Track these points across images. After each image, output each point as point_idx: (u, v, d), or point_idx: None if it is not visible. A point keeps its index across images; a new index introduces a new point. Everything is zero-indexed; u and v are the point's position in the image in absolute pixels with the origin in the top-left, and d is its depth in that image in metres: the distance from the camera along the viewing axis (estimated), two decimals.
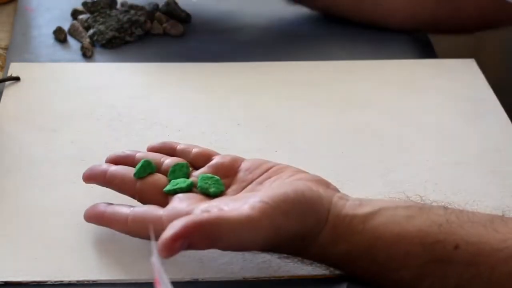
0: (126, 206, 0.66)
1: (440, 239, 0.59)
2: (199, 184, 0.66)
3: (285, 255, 0.64)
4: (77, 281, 0.65)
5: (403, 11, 1.01)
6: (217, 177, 0.67)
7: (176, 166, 0.68)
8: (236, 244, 0.61)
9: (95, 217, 0.67)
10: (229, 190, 0.67)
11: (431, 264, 0.59)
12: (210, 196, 0.65)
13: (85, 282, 0.65)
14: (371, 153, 0.80)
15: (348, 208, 0.62)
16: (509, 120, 0.86)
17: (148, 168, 0.68)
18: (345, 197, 0.64)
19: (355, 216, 0.61)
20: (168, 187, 0.67)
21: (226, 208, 0.61)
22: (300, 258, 0.64)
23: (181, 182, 0.66)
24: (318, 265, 0.64)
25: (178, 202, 0.65)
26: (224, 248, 0.61)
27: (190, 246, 0.58)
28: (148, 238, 0.60)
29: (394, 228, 0.60)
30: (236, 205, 0.61)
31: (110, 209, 0.66)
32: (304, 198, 0.61)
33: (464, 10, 1.01)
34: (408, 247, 0.60)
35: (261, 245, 0.61)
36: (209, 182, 0.66)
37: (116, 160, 0.71)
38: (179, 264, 0.66)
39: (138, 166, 0.68)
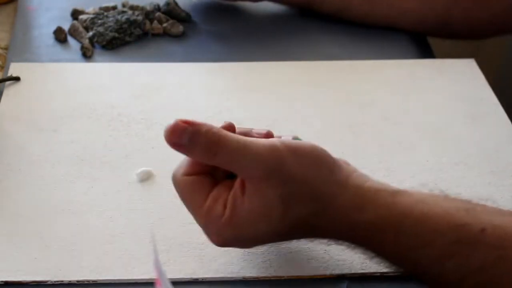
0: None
1: (467, 221, 0.61)
2: None
3: (301, 230, 0.63)
4: (77, 281, 0.65)
5: (414, 14, 1.01)
6: None
7: None
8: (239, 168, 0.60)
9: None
10: None
11: (456, 245, 0.60)
12: None
13: (85, 282, 0.65)
14: (371, 153, 0.80)
15: (372, 183, 0.63)
16: (509, 120, 0.86)
17: None
18: (365, 176, 0.64)
19: (382, 190, 0.62)
20: None
21: None
22: (318, 229, 0.63)
23: None
24: (335, 243, 0.64)
25: (215, 202, 0.62)
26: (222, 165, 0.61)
27: (191, 140, 0.60)
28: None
29: (423, 208, 0.61)
30: None
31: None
32: (317, 151, 0.63)
33: (475, 15, 1.00)
34: (435, 226, 0.61)
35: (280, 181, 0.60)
36: None
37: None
38: (179, 264, 0.66)
39: None
